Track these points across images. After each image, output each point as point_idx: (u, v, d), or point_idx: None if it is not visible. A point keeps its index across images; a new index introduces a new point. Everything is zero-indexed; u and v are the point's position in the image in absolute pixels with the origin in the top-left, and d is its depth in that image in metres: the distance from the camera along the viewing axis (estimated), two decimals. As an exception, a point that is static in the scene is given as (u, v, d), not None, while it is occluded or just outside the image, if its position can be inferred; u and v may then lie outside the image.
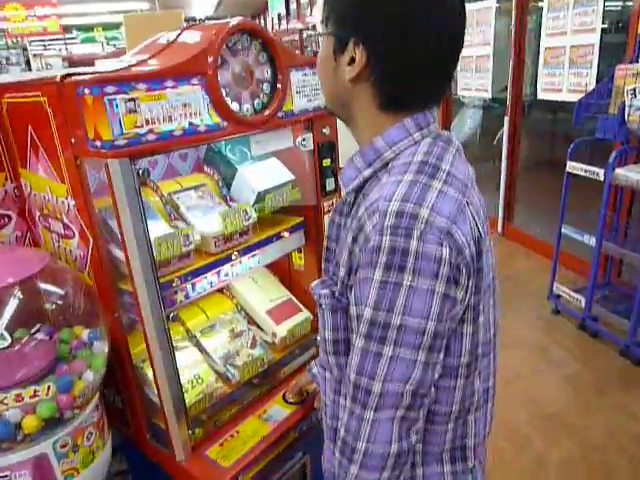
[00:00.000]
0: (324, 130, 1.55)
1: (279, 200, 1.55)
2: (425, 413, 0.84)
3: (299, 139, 1.51)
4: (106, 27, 11.72)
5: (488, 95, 4.72)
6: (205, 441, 1.41)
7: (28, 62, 8.94)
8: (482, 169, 5.02)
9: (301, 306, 1.76)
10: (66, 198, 1.28)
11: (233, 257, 1.44)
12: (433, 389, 0.82)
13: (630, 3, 5.98)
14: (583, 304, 3.17)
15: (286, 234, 1.59)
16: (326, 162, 1.58)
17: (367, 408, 0.80)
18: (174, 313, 1.40)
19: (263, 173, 1.56)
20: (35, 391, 1.06)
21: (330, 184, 1.61)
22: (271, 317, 1.69)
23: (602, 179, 2.93)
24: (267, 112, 1.32)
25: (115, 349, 1.33)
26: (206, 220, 1.44)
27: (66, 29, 10.50)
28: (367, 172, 0.87)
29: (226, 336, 1.61)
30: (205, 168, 1.61)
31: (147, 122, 1.09)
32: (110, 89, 1.03)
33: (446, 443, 0.92)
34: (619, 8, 4.60)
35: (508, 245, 4.62)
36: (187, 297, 1.35)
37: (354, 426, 0.83)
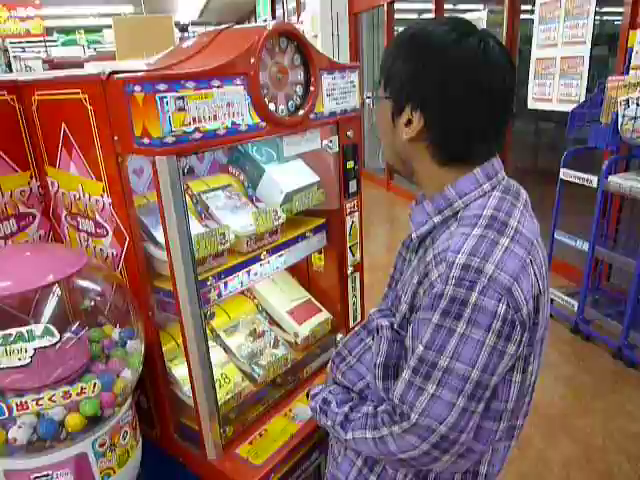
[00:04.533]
0: (348, 133, 1.58)
1: (305, 201, 1.57)
2: (448, 461, 0.88)
3: (326, 141, 1.53)
4: (88, 30, 11.57)
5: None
6: (235, 440, 1.41)
7: (9, 64, 8.77)
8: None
9: (320, 307, 1.78)
10: (101, 196, 1.27)
11: (262, 257, 1.46)
12: (466, 436, 0.85)
13: (610, 18, 6.21)
14: (575, 308, 3.26)
15: (310, 235, 1.61)
16: (350, 164, 1.61)
17: (397, 425, 0.87)
18: (209, 311, 1.41)
19: (290, 174, 1.58)
20: (82, 388, 1.05)
21: (353, 186, 1.64)
22: (292, 317, 1.70)
23: (595, 186, 3.03)
24: (301, 112, 1.35)
25: (146, 348, 1.33)
26: (234, 220, 1.45)
27: (47, 31, 10.33)
28: (437, 219, 0.92)
29: (249, 336, 1.62)
30: (230, 169, 1.62)
31: (194, 120, 1.10)
32: (161, 87, 1.04)
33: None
34: (597, 22, 4.77)
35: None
36: (220, 296, 1.35)
37: (379, 422, 0.91)
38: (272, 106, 1.28)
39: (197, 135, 1.11)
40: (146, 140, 1.07)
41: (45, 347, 1.01)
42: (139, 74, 1.05)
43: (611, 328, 3.07)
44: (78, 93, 1.20)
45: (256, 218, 1.40)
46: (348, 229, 1.68)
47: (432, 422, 0.82)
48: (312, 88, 1.37)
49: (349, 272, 1.72)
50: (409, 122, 0.90)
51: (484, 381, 0.81)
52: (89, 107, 1.19)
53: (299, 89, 1.37)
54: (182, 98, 1.07)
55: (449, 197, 0.91)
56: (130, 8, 10.75)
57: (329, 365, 1.24)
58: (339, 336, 1.74)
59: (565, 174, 3.22)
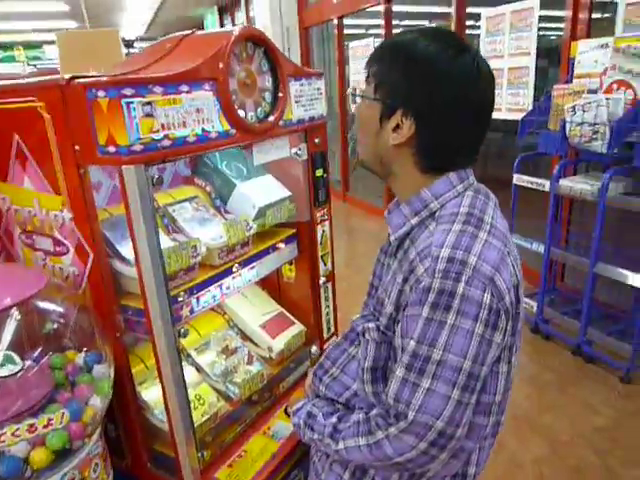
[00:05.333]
0: (316, 140, 1.56)
1: (277, 216, 1.53)
2: (444, 460, 0.87)
3: (294, 149, 1.50)
4: (28, 46, 11.13)
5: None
6: (213, 463, 1.34)
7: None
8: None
9: (293, 319, 1.73)
10: (61, 211, 1.19)
11: (234, 269, 1.40)
12: (462, 430, 0.84)
13: (547, 33, 6.53)
14: (535, 309, 3.34)
15: (282, 245, 1.57)
16: (319, 172, 1.58)
17: (393, 427, 0.85)
18: (183, 329, 1.33)
19: (261, 189, 1.54)
20: (49, 419, 0.96)
21: (322, 194, 1.61)
22: (265, 331, 1.65)
23: (547, 190, 3.13)
24: (271, 119, 1.31)
25: (115, 371, 1.24)
26: (203, 232, 1.39)
27: (-18, 47, 9.88)
28: (414, 220, 0.93)
29: (221, 353, 1.55)
30: (196, 180, 1.56)
31: (163, 127, 1.04)
32: (127, 91, 0.98)
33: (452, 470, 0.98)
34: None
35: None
36: (192, 312, 1.29)
37: (373, 426, 0.89)
38: (241, 113, 1.25)
39: (166, 142, 1.06)
40: (112, 149, 1.01)
41: (6, 377, 0.91)
42: (102, 78, 0.99)
43: (569, 326, 3.16)
44: (33, 101, 1.12)
45: (227, 229, 1.35)
46: (319, 238, 1.64)
47: (429, 418, 0.81)
48: (281, 94, 1.34)
49: (321, 282, 1.68)
50: (397, 127, 0.90)
51: (475, 371, 0.82)
52: (46, 116, 1.11)
53: (267, 96, 1.34)
54: (150, 103, 1.02)
55: (425, 199, 0.93)
56: (72, 24, 10.41)
57: (309, 378, 1.20)
58: (314, 348, 1.69)
59: (518, 179, 3.32)
